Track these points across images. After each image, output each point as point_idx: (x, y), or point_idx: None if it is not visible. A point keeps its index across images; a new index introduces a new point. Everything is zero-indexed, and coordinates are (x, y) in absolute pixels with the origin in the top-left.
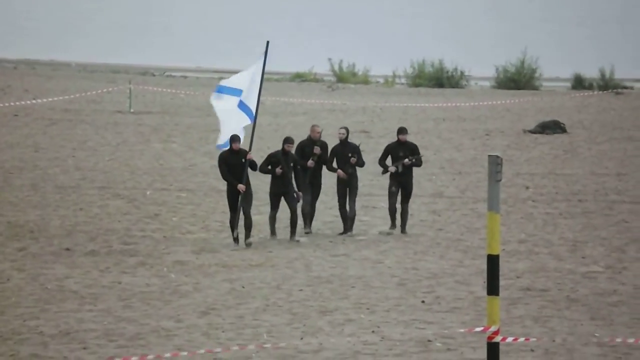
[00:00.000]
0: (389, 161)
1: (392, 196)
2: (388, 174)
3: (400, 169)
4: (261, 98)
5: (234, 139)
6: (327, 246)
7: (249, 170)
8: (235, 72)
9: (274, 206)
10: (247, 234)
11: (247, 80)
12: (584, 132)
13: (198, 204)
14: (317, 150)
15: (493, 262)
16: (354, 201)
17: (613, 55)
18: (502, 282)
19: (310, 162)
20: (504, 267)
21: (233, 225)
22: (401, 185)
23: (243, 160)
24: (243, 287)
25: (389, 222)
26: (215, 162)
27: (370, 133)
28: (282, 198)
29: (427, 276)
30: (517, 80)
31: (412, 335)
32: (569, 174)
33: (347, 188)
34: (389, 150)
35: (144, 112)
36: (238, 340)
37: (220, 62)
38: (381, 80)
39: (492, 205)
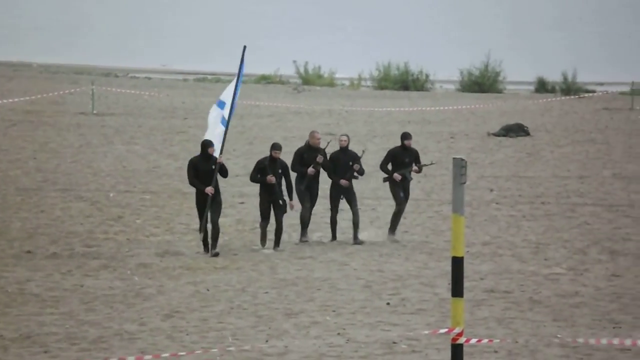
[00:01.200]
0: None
1: (402, 203)
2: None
3: (410, 177)
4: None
5: (207, 144)
6: (292, 249)
7: (221, 177)
8: (199, 74)
9: (265, 216)
10: (214, 244)
11: (229, 91)
12: (546, 135)
13: (162, 206)
14: (319, 159)
15: (457, 264)
16: (357, 206)
17: (576, 59)
18: (466, 284)
19: (310, 170)
20: (468, 269)
21: (201, 232)
22: (404, 190)
23: (213, 166)
24: (207, 289)
25: (381, 229)
26: (180, 164)
27: (336, 135)
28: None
29: (393, 278)
30: (481, 83)
31: (377, 337)
32: (532, 177)
33: (343, 196)
34: (393, 156)
35: (107, 113)
36: (202, 343)
37: (185, 63)
38: (347, 83)
39: (456, 207)
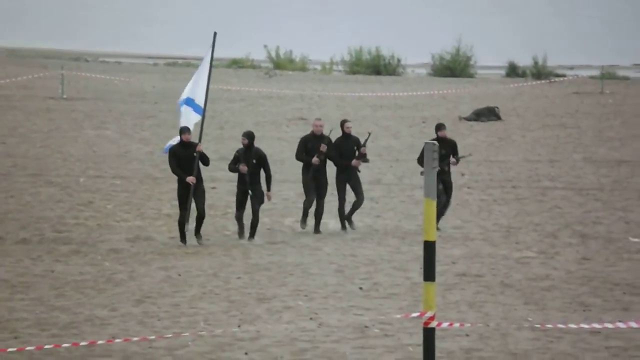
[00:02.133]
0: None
1: (440, 195)
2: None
3: (447, 168)
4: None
5: (184, 130)
6: (265, 233)
7: (202, 165)
8: (169, 58)
9: (239, 206)
10: (198, 229)
11: (196, 80)
12: (517, 119)
13: (133, 191)
14: (323, 147)
15: (429, 248)
16: (362, 193)
17: (546, 44)
18: (438, 268)
19: (315, 159)
20: (440, 253)
21: (182, 223)
22: (443, 183)
23: (195, 154)
24: (179, 275)
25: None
26: (151, 149)
27: (308, 120)
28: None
29: (365, 263)
30: (453, 68)
31: (349, 321)
32: (503, 161)
33: (348, 183)
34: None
35: (77, 98)
36: (174, 328)
37: (154, 47)
38: (319, 68)
39: (428, 192)
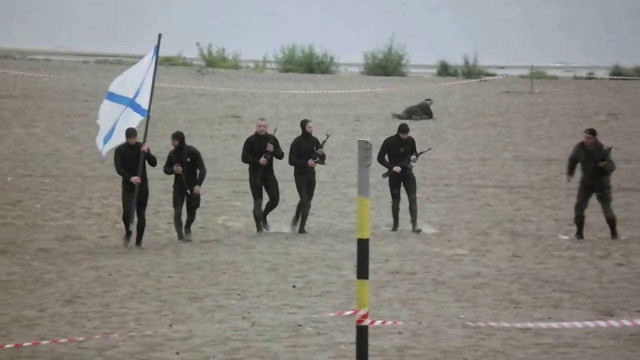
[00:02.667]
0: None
1: (395, 197)
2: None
3: (409, 166)
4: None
5: (130, 133)
6: (197, 232)
7: (149, 165)
8: (100, 55)
9: (176, 204)
10: (139, 237)
11: (137, 80)
12: (449, 118)
13: (62, 190)
14: (269, 147)
15: (363, 246)
16: (312, 195)
17: (477, 43)
18: (371, 266)
19: (262, 160)
20: (373, 250)
21: (127, 222)
22: (402, 180)
23: (140, 154)
24: (109, 274)
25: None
26: (81, 147)
27: (241, 118)
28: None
29: (299, 261)
30: (385, 66)
31: (282, 320)
32: (435, 159)
33: (308, 183)
34: (388, 146)
35: (5, 96)
36: (104, 328)
37: (85, 44)
38: (251, 65)
39: (362, 189)
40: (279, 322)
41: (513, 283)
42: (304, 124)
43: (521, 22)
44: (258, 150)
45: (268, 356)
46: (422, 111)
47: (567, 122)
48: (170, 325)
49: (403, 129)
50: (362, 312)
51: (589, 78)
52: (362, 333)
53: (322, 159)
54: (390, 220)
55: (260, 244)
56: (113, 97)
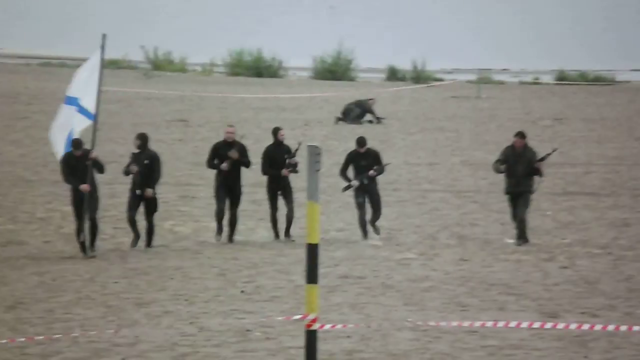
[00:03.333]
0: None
1: (360, 207)
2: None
3: (365, 181)
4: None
5: (76, 145)
6: (144, 237)
7: (98, 173)
8: (43, 58)
9: (130, 207)
10: (92, 242)
11: (83, 81)
12: (398, 122)
13: (4, 194)
14: (233, 153)
15: (312, 250)
16: (292, 202)
17: (425, 48)
18: (321, 270)
19: (224, 165)
20: (323, 255)
21: (79, 233)
22: (368, 193)
23: (87, 162)
24: (54, 280)
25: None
26: (23, 151)
27: (188, 122)
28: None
29: (247, 266)
30: (334, 71)
31: (231, 325)
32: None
33: (279, 191)
34: (351, 160)
35: None
36: (48, 334)
37: (28, 47)
38: (199, 69)
39: (311, 194)
40: (227, 327)
41: (460, 286)
42: (275, 131)
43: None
44: (223, 156)
45: None
46: (359, 108)
47: (513, 127)
48: (116, 331)
49: (359, 142)
50: (311, 316)
51: (535, 83)
52: (311, 337)
53: (294, 167)
54: (340, 224)
55: (208, 249)
56: (68, 100)
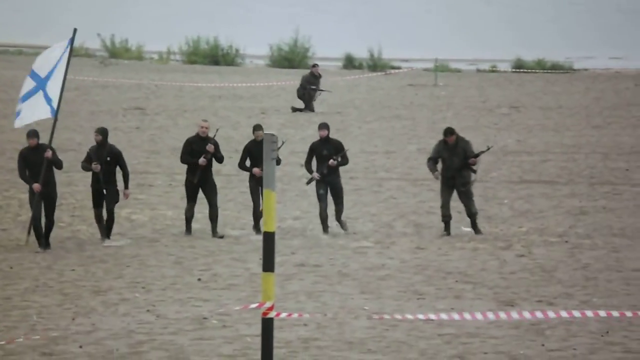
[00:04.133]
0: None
1: (321, 199)
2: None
3: (325, 171)
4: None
5: (31, 135)
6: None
7: (55, 169)
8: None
9: (96, 204)
10: (46, 237)
11: (50, 64)
12: (355, 111)
13: None
14: (209, 147)
15: (269, 239)
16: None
17: (381, 36)
18: (277, 259)
19: (202, 160)
20: (279, 243)
21: (37, 229)
22: (329, 185)
23: (45, 157)
24: (11, 267)
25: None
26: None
27: (145, 110)
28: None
29: (204, 254)
30: (291, 59)
31: (187, 313)
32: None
33: (260, 187)
34: (314, 149)
35: None
36: (5, 322)
37: None
38: (156, 57)
39: (268, 183)
40: (184, 315)
41: (417, 275)
42: (255, 130)
43: (425, 15)
44: (197, 151)
45: (173, 349)
46: (311, 76)
47: (470, 115)
48: (73, 319)
49: (322, 127)
50: (267, 304)
51: (492, 71)
52: (267, 325)
53: (276, 163)
54: (296, 213)
55: (164, 237)
56: (32, 74)
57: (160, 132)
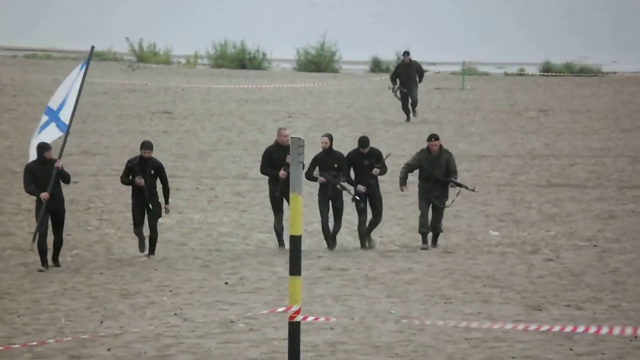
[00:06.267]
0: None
1: (361, 213)
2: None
3: (358, 198)
4: (58, 77)
5: (45, 147)
6: (129, 228)
7: (63, 183)
8: (28, 50)
9: (137, 222)
10: (55, 255)
11: (63, 93)
12: (381, 114)
13: None
14: (289, 159)
15: (295, 242)
16: (342, 215)
17: (408, 39)
18: (304, 262)
19: (282, 173)
20: (306, 247)
21: (42, 246)
22: (369, 197)
23: (53, 170)
24: (40, 271)
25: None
26: (10, 143)
27: (173, 114)
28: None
29: (231, 257)
30: (318, 62)
31: (215, 316)
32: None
33: (330, 200)
34: (351, 160)
35: None
36: (34, 325)
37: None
38: (183, 61)
39: (295, 186)
40: (211, 319)
41: (444, 279)
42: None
43: (453, 18)
44: (277, 161)
45: (200, 352)
46: (405, 66)
47: (497, 119)
48: (102, 322)
49: (362, 142)
50: (294, 308)
51: (520, 74)
52: (294, 329)
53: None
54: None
55: (192, 240)
56: (47, 110)
57: (188, 136)
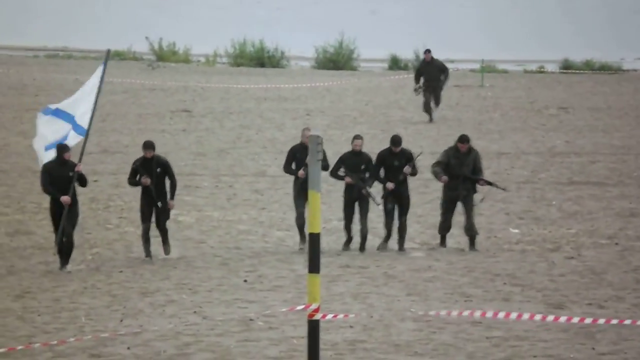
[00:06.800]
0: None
1: (388, 215)
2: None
3: (400, 178)
4: (78, 77)
5: (64, 148)
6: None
7: (80, 187)
8: (49, 50)
9: (145, 219)
10: (65, 260)
11: (82, 99)
12: (400, 112)
13: (12, 185)
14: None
15: (314, 240)
16: (367, 217)
17: (427, 37)
18: (322, 260)
19: (301, 172)
20: (325, 244)
21: (59, 245)
22: (396, 197)
23: (71, 173)
24: (60, 269)
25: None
26: (31, 142)
27: (192, 112)
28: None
29: (250, 255)
30: (336, 61)
31: (234, 314)
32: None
33: (356, 202)
34: (382, 160)
35: None
36: (54, 323)
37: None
38: (202, 60)
39: (313, 184)
40: (230, 317)
41: (464, 276)
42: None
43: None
44: (300, 160)
45: (219, 350)
46: (439, 71)
47: (517, 116)
48: (121, 320)
49: (394, 141)
50: (313, 306)
51: (540, 72)
52: (313, 327)
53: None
54: (341, 214)
55: (211, 238)
56: (59, 113)
57: (207, 134)
